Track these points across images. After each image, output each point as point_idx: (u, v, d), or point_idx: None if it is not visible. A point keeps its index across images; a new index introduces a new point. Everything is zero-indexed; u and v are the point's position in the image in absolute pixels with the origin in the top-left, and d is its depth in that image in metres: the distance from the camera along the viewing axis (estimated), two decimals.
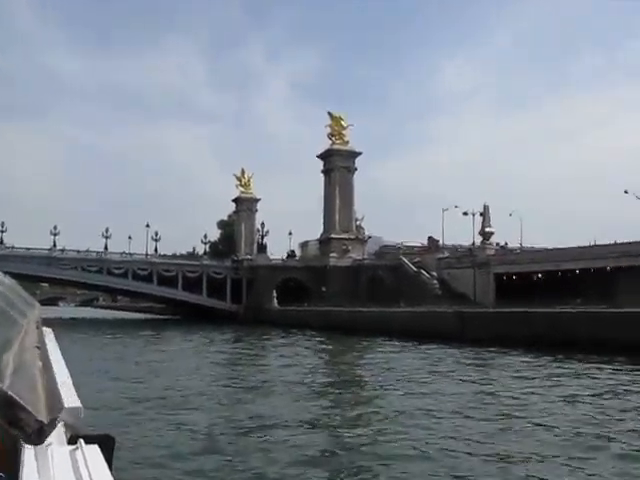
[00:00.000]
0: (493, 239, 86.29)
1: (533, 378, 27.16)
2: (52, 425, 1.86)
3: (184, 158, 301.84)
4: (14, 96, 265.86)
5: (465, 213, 75.82)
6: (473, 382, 26.01)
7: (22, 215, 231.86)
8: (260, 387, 25.37)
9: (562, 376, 27.57)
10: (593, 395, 22.23)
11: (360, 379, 29.16)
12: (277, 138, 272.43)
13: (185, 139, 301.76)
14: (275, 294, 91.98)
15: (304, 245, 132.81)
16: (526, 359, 34.77)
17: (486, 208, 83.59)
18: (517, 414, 18.50)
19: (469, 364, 33.65)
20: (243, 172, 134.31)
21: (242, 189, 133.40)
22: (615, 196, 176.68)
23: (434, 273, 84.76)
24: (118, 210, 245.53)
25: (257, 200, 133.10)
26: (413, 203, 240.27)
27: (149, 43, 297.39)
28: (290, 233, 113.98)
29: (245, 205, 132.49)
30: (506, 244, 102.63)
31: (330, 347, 50.05)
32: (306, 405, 20.49)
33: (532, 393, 22.70)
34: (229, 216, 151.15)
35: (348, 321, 65.57)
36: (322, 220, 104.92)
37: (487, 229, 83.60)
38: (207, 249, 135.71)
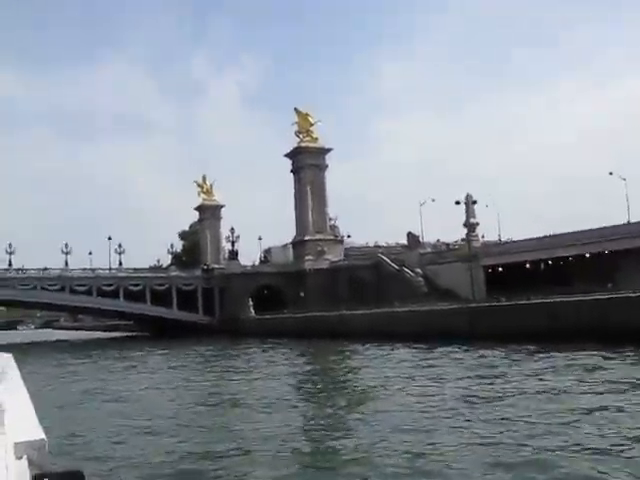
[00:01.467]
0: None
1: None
2: None
3: (135, 172, 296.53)
4: None
5: (457, 202, 71.12)
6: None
7: None
8: (246, 414, 21.09)
9: None
10: None
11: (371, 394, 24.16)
12: (230, 145, 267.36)
13: (134, 154, 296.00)
14: (251, 302, 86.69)
15: (267, 251, 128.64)
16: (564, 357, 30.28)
17: (469, 198, 79.05)
18: None
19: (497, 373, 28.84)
20: (204, 179, 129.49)
21: (204, 196, 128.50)
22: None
23: (418, 270, 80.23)
24: (73, 230, 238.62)
25: (221, 207, 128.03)
26: (376, 205, 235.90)
27: (88, 63, 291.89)
28: (260, 238, 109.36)
29: (209, 212, 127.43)
30: (483, 237, 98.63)
31: (325, 359, 44.92)
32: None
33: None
34: (191, 226, 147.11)
35: (337, 326, 60.70)
36: (295, 222, 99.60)
37: (472, 220, 79.14)
38: (172, 261, 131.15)
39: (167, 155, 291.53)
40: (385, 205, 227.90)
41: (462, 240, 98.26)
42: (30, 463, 3.51)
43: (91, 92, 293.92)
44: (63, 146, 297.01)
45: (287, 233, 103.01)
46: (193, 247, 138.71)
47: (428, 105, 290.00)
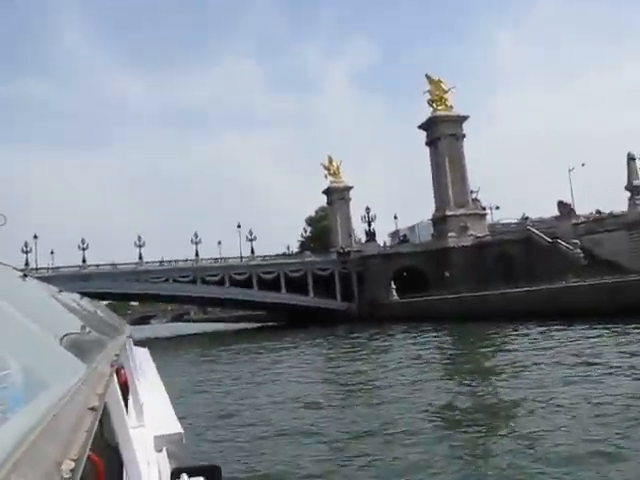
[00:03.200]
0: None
1: None
2: None
3: (258, 166, 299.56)
4: (80, 128, 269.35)
5: (632, 158, 62.78)
6: None
7: (105, 239, 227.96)
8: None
9: None
10: None
11: None
12: (349, 129, 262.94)
13: (255, 147, 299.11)
14: (393, 285, 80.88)
15: (394, 234, 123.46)
16: None
17: (630, 157, 70.89)
18: None
19: None
20: (331, 160, 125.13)
21: (332, 178, 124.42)
22: None
23: (576, 241, 72.46)
24: (201, 225, 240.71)
25: (349, 188, 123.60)
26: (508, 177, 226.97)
27: (203, 59, 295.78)
28: (395, 217, 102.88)
29: (337, 195, 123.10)
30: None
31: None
32: None
33: None
34: (317, 212, 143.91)
35: (500, 306, 54.13)
36: (433, 197, 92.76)
37: (635, 182, 70.82)
38: (299, 248, 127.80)
39: (288, 146, 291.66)
40: (514, 176, 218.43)
41: (595, 212, 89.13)
42: (169, 456, 3.87)
43: (206, 88, 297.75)
44: (180, 142, 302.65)
45: (412, 213, 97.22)
46: (321, 232, 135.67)
47: (544, 75, 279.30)
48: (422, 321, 59.18)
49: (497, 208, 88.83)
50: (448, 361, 31.66)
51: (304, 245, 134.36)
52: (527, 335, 38.64)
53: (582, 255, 71.34)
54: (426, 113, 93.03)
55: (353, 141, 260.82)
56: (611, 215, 77.61)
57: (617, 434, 12.72)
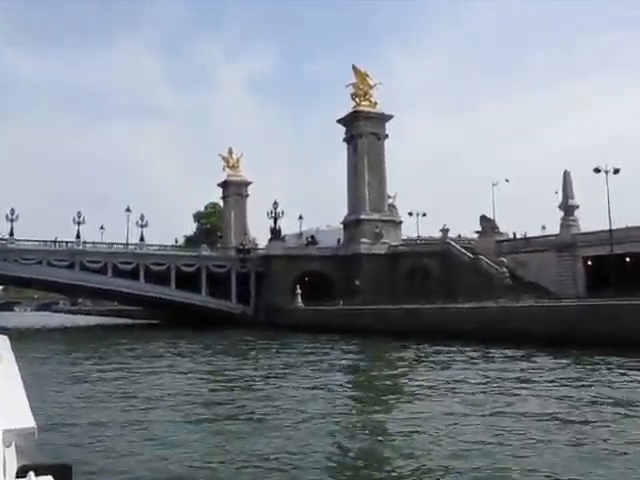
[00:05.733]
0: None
1: None
2: None
3: (148, 156, 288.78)
4: None
5: (597, 170, 57.08)
6: None
7: None
8: None
9: None
10: None
11: None
12: (244, 133, 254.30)
13: (147, 137, 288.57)
14: (299, 290, 72.77)
15: (282, 238, 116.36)
16: None
17: (567, 175, 66.00)
18: None
19: None
20: (231, 152, 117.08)
21: (230, 171, 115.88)
22: None
23: (502, 259, 66.66)
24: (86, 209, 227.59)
25: (248, 183, 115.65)
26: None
27: (102, 43, 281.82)
28: (300, 217, 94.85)
29: (234, 189, 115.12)
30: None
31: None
32: None
33: None
34: (206, 207, 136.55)
35: (429, 324, 47.11)
36: (347, 199, 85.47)
37: (570, 202, 65.97)
38: (184, 244, 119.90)
39: (181, 140, 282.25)
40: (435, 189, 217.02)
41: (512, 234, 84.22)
42: (18, 452, 3.60)
43: (105, 73, 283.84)
44: (74, 125, 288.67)
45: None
46: (210, 229, 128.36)
47: (438, 104, 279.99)
48: (331, 333, 52.49)
49: (424, 215, 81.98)
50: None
51: (191, 241, 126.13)
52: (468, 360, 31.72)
53: (507, 274, 65.80)
54: (334, 115, 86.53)
55: (251, 144, 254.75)
56: (539, 236, 72.89)
57: None
